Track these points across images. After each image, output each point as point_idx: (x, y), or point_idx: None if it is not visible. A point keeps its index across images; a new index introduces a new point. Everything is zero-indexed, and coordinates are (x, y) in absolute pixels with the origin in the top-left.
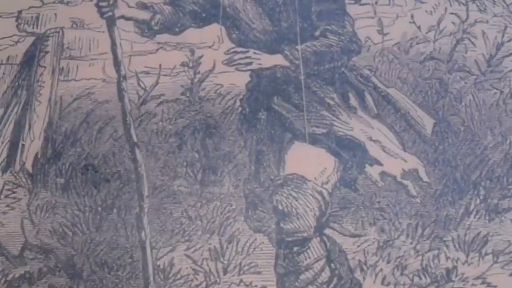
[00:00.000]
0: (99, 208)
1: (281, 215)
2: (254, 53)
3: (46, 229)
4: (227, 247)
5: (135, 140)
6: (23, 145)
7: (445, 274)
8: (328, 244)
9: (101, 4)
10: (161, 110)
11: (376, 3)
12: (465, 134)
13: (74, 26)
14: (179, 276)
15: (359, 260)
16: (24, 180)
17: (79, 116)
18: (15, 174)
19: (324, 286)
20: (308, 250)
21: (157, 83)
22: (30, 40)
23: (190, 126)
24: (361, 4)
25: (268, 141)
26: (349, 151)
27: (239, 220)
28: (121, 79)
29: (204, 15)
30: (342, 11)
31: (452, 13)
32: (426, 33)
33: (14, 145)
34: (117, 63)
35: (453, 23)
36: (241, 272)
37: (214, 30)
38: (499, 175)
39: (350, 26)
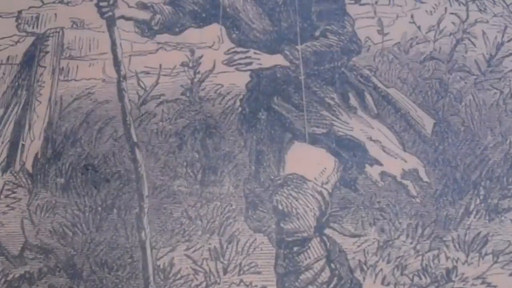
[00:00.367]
0: (99, 208)
1: (281, 215)
2: (254, 53)
3: (46, 229)
4: (227, 247)
5: (135, 140)
6: (23, 145)
7: (445, 274)
8: (328, 244)
9: (101, 4)
10: (161, 110)
11: (376, 3)
12: (465, 134)
13: (74, 26)
14: (179, 276)
15: (359, 260)
16: (24, 180)
17: (79, 116)
18: (15, 174)
19: (324, 286)
20: (308, 250)
21: (157, 83)
22: (30, 40)
23: (190, 126)
24: (361, 4)
25: (268, 141)
26: (349, 151)
27: (239, 220)
28: (121, 79)
29: (204, 15)
30: (342, 11)
31: (452, 13)
32: (426, 33)
33: (14, 145)
34: (117, 63)
35: (453, 23)
36: (241, 272)
37: (214, 30)
38: (499, 175)
39: (350, 26)
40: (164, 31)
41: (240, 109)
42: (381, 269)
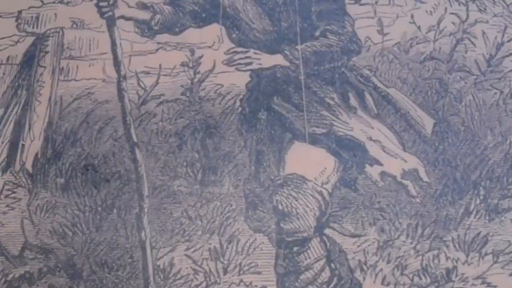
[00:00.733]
0: (99, 208)
1: (281, 215)
2: (254, 53)
3: (46, 229)
4: (227, 247)
5: (135, 140)
6: (23, 145)
7: (445, 274)
8: (328, 244)
9: (101, 4)
10: (161, 110)
11: (376, 3)
12: (465, 134)
13: (74, 26)
14: (179, 276)
15: (359, 260)
16: (24, 180)
17: (79, 116)
18: (15, 174)
19: (324, 286)
20: (308, 250)
21: (157, 83)
22: (30, 40)
23: (190, 126)
24: (361, 4)
25: (268, 141)
26: (349, 151)
27: (239, 220)
28: (121, 79)
29: (204, 15)
30: (342, 11)
31: (452, 13)
32: (426, 33)
33: (14, 145)
34: (117, 63)
35: (453, 23)
36: (241, 272)
37: (214, 30)
38: (499, 175)
39: (350, 26)
40: (164, 31)
41: (240, 109)
42: (381, 269)
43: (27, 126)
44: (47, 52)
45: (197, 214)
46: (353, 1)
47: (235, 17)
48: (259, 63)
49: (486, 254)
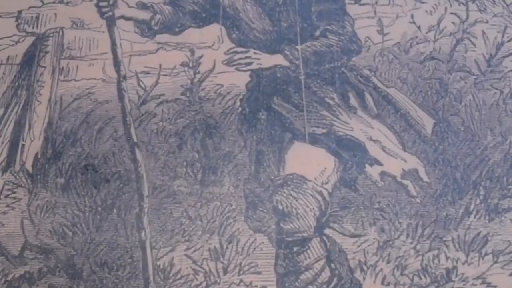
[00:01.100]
0: (99, 208)
1: (281, 215)
2: (254, 53)
3: (46, 229)
4: (227, 247)
5: (135, 140)
6: (23, 145)
7: (445, 274)
8: (328, 244)
9: (101, 4)
10: (161, 110)
11: (376, 3)
12: (465, 134)
13: (74, 26)
14: (179, 276)
15: (359, 260)
16: (24, 180)
17: (79, 116)
18: (15, 174)
19: (324, 286)
20: (308, 250)
21: (157, 83)
22: (30, 40)
23: (190, 126)
24: (361, 4)
25: (268, 141)
26: (349, 151)
27: (239, 220)
28: (121, 79)
29: (204, 15)
30: (342, 11)
31: (452, 13)
32: (426, 33)
33: (14, 145)
34: (117, 63)
35: (453, 23)
36: (241, 272)
37: (214, 30)
38: (499, 175)
39: (350, 26)
40: (164, 31)
41: (240, 109)
42: (381, 269)
43: (27, 126)
44: (47, 52)
45: (197, 214)
46: (353, 1)
47: (235, 17)
48: (259, 63)
49: (486, 254)
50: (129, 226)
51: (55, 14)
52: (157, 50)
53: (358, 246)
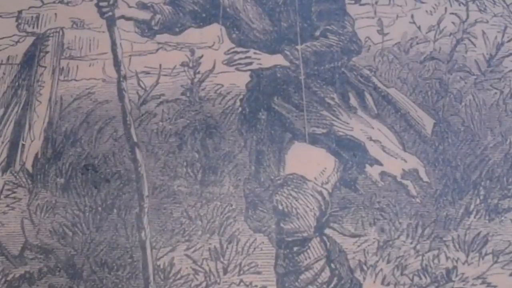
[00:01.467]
0: (99, 208)
1: (281, 215)
2: (254, 53)
3: (46, 229)
4: (227, 247)
5: (135, 140)
6: (23, 145)
7: (445, 274)
8: (328, 244)
9: (101, 4)
10: (161, 110)
11: (376, 3)
12: (465, 134)
13: (74, 26)
14: (179, 276)
15: (359, 260)
16: (24, 180)
17: (79, 116)
18: (15, 174)
19: (324, 286)
20: (308, 250)
21: (157, 83)
22: (30, 40)
23: (190, 126)
24: (361, 4)
25: (268, 141)
26: (349, 151)
27: (239, 220)
28: (121, 79)
29: (204, 15)
30: (342, 11)
31: (452, 13)
32: (426, 33)
33: (14, 145)
34: (117, 63)
35: (453, 23)
36: (241, 272)
37: (214, 30)
38: (499, 175)
39: (350, 26)
40: (164, 31)
41: (240, 109)
42: (381, 269)
43: (27, 126)
44: (47, 52)
45: (197, 214)
46: (353, 1)
47: (235, 17)
48: (259, 63)
49: (486, 254)
50: (129, 226)
51: (55, 14)
52: (157, 50)
53: (358, 246)
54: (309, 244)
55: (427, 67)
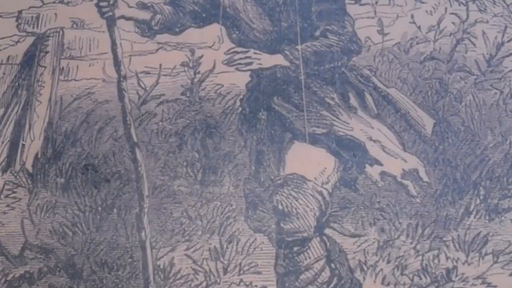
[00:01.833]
0: (99, 208)
1: (281, 215)
2: (254, 53)
3: (46, 229)
4: (227, 247)
5: (135, 140)
6: (23, 145)
7: (445, 274)
8: (328, 244)
9: (101, 4)
10: (161, 110)
11: (376, 3)
12: (465, 134)
13: (74, 26)
14: (179, 276)
15: (359, 260)
16: (24, 180)
17: (79, 116)
18: (15, 174)
19: (324, 286)
20: (308, 250)
21: (157, 83)
22: (30, 40)
23: (190, 126)
24: (361, 4)
25: (268, 141)
26: (349, 151)
27: (239, 220)
28: (121, 79)
29: (204, 15)
30: (342, 11)
31: (452, 13)
32: (426, 33)
33: (14, 145)
34: (117, 63)
35: (453, 23)
36: (241, 272)
37: (214, 30)
38: (499, 175)
39: (350, 26)
40: (164, 31)
41: (240, 109)
42: (381, 269)
43: (27, 126)
44: (47, 52)
45: (197, 214)
46: (353, 1)
47: (235, 17)
48: (259, 63)
49: (486, 254)
50: (129, 226)
51: (55, 14)
52: (157, 50)
53: (358, 246)
54: (309, 244)
55: (427, 67)
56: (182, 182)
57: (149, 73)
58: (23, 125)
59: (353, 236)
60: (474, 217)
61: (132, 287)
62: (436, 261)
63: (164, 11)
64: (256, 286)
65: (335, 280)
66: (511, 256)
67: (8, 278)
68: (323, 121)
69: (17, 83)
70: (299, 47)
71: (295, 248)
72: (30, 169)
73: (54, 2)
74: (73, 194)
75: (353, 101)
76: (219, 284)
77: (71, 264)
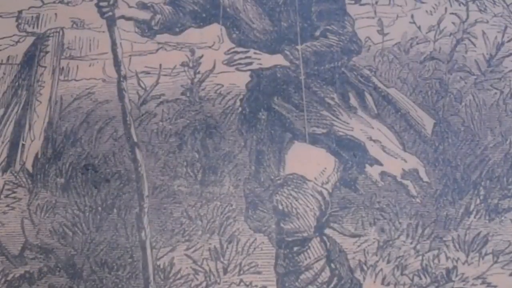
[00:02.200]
0: (99, 208)
1: (281, 215)
2: (254, 53)
3: (46, 229)
4: (227, 247)
5: (135, 140)
6: (23, 145)
7: (445, 274)
8: (328, 244)
9: (101, 4)
10: (161, 110)
11: (376, 3)
12: (465, 134)
13: (74, 26)
14: (179, 276)
15: (359, 260)
16: (24, 180)
17: (79, 116)
18: (15, 174)
19: (324, 286)
20: (308, 250)
21: (157, 83)
22: (30, 40)
23: (190, 126)
24: (361, 4)
25: (268, 141)
26: (349, 151)
27: (239, 220)
28: (121, 79)
29: (204, 15)
30: (342, 11)
31: (452, 13)
32: (426, 33)
33: (14, 145)
34: (117, 63)
35: (453, 23)
36: (241, 272)
37: (214, 30)
38: (499, 175)
39: (350, 26)
40: (164, 31)
41: (240, 109)
42: (381, 269)
43: (27, 126)
44: (47, 52)
45: (197, 214)
46: (353, 1)
47: (235, 17)
48: (259, 63)
49: (486, 254)
50: (129, 226)
51: (55, 14)
52: (157, 50)
53: (358, 246)
54: (309, 244)
55: (427, 67)
56: (182, 182)
57: (149, 73)
58: (23, 125)
59: (353, 236)
60: (474, 217)
61: (132, 287)
62: (436, 261)
63: (164, 11)
64: (256, 286)
65: (335, 280)
66: (511, 256)
67: (8, 278)
68: (323, 121)
69: (17, 83)
70: (299, 47)
71: (295, 248)
72: (30, 169)
73: (54, 2)
74: (73, 194)
75: (353, 101)
76: (219, 284)
77: (71, 264)
